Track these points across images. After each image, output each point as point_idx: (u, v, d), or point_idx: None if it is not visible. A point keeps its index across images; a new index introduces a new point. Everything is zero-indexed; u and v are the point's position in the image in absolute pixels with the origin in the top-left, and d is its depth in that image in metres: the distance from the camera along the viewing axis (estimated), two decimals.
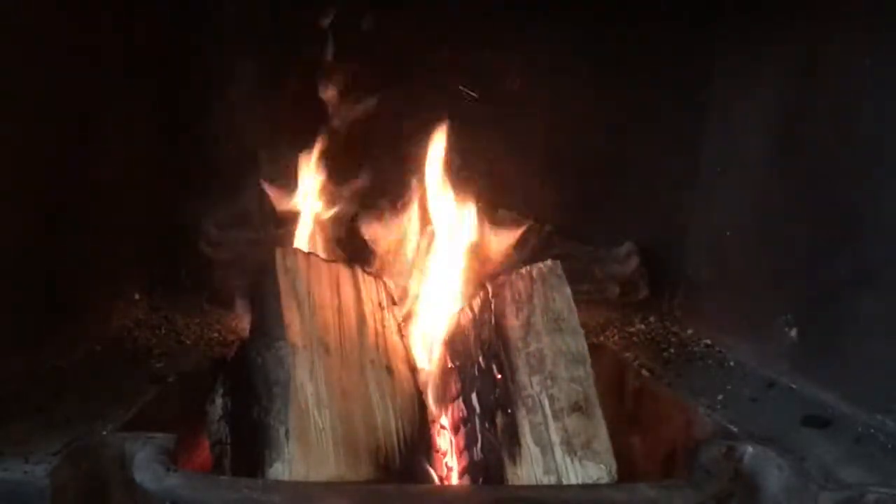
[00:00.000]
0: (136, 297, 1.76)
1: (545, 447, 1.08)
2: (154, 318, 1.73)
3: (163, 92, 1.76)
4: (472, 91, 1.69)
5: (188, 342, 1.62)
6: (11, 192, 1.23)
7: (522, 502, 0.99)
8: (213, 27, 1.79)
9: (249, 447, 1.09)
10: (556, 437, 1.08)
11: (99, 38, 1.50)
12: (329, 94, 1.70)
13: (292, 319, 1.16)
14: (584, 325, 1.20)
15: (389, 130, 1.73)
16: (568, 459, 1.06)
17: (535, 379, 1.14)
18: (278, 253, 1.24)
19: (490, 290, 1.26)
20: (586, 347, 1.18)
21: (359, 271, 1.32)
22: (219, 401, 1.19)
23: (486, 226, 1.61)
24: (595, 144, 1.83)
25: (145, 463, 1.00)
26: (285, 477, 1.02)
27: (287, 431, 1.05)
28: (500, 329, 1.20)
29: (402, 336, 1.31)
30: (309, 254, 1.28)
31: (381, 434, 1.12)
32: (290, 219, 1.68)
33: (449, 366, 1.32)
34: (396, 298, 1.39)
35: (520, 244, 1.73)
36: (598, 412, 1.10)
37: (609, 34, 1.79)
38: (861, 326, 1.26)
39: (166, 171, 1.79)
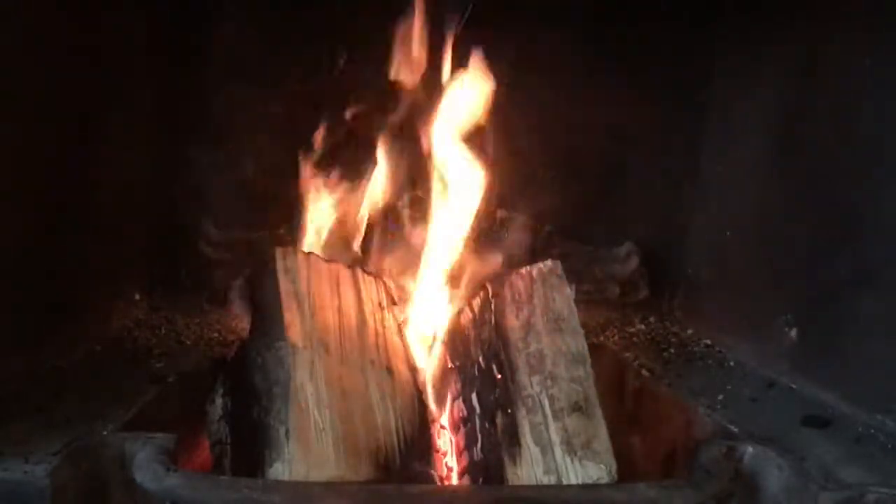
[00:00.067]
0: (136, 297, 1.76)
1: (545, 447, 1.08)
2: (154, 318, 1.73)
3: (163, 92, 1.76)
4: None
5: (188, 342, 1.61)
6: (11, 192, 1.23)
7: (522, 502, 0.99)
8: (213, 27, 1.79)
9: (249, 447, 1.09)
10: (556, 437, 1.08)
11: (99, 38, 1.50)
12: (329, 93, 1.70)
13: (292, 319, 1.16)
14: (584, 325, 1.21)
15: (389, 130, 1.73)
16: (568, 459, 1.06)
17: (535, 379, 1.14)
18: (278, 253, 1.24)
19: (490, 290, 1.26)
20: (586, 347, 1.18)
21: (359, 271, 1.32)
22: (219, 401, 1.19)
23: (487, 226, 1.61)
24: (595, 144, 1.83)
25: (145, 463, 1.00)
26: (285, 477, 1.02)
27: (287, 431, 1.05)
28: (500, 329, 1.20)
29: (402, 336, 1.31)
30: (309, 254, 1.28)
31: (381, 434, 1.12)
32: (291, 218, 1.67)
33: (449, 366, 1.32)
34: (396, 298, 1.39)
35: (520, 244, 1.73)
36: (598, 412, 1.11)
37: (609, 34, 1.79)
38: (861, 326, 1.26)
39: (166, 171, 1.79)
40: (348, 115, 1.70)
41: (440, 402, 1.33)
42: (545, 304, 1.20)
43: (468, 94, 1.53)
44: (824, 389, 1.30)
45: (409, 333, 1.40)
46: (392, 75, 1.62)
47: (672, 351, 1.64)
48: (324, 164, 1.67)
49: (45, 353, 1.34)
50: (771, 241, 1.52)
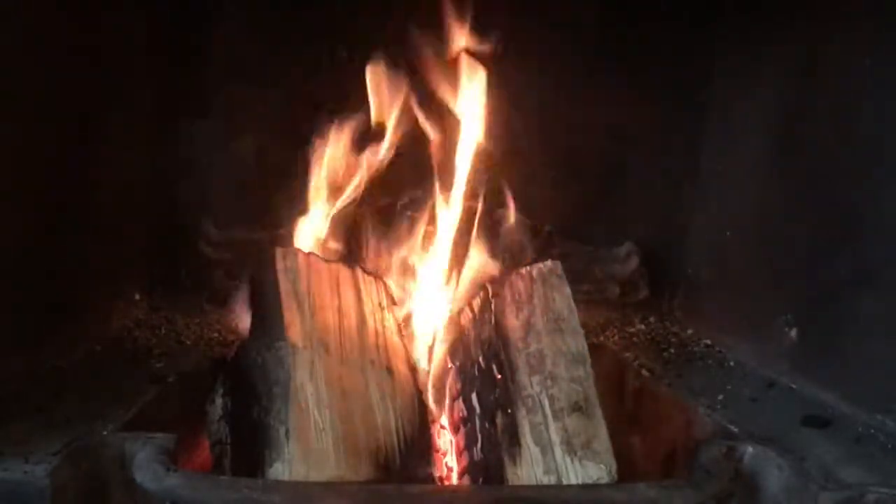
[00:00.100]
0: (136, 297, 1.76)
1: (545, 447, 1.08)
2: (154, 318, 1.73)
3: (163, 92, 1.76)
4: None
5: (188, 342, 1.61)
6: (11, 192, 1.23)
7: (522, 502, 0.99)
8: (213, 27, 1.79)
9: (249, 447, 1.09)
10: (556, 437, 1.08)
11: (99, 38, 1.50)
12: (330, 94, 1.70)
13: (292, 319, 1.16)
14: (584, 325, 1.21)
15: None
16: (568, 459, 1.06)
17: (535, 379, 1.14)
18: (278, 253, 1.24)
19: (490, 290, 1.26)
20: (586, 347, 1.18)
21: (359, 271, 1.32)
22: (219, 401, 1.19)
23: (487, 226, 1.61)
24: (595, 144, 1.83)
25: (145, 463, 1.00)
26: (285, 477, 1.02)
27: (287, 431, 1.05)
28: (500, 329, 1.20)
29: (402, 336, 1.31)
30: (309, 254, 1.28)
31: (381, 434, 1.12)
32: (292, 218, 1.67)
33: (449, 366, 1.32)
34: (396, 298, 1.39)
35: (520, 244, 1.72)
36: (598, 412, 1.11)
37: (609, 34, 1.79)
38: (861, 326, 1.26)
39: (166, 171, 1.79)
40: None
41: (440, 402, 1.33)
42: (545, 304, 1.20)
43: (468, 94, 1.53)
44: (824, 389, 1.30)
45: (409, 333, 1.40)
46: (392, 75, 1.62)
47: (672, 351, 1.64)
48: (327, 164, 1.67)
49: (45, 353, 1.34)
50: (771, 241, 1.52)
